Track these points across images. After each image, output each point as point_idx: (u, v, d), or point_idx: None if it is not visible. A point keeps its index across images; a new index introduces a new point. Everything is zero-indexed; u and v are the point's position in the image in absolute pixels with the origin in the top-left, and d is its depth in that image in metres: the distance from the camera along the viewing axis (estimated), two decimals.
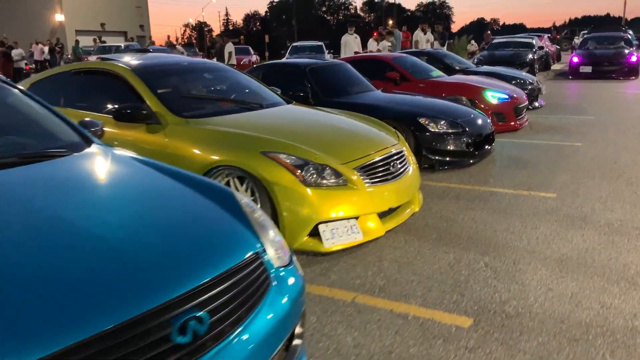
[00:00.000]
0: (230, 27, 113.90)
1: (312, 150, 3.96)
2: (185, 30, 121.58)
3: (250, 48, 27.42)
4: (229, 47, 18.26)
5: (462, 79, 9.53)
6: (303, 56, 22.49)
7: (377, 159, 4.21)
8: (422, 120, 6.37)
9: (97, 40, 29.95)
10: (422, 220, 4.72)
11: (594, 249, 4.01)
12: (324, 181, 3.85)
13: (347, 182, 3.92)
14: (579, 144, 7.75)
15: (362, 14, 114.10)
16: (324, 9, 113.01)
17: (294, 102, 5.59)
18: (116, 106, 4.48)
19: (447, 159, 6.42)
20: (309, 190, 3.77)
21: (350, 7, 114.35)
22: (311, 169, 3.84)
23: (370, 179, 4.07)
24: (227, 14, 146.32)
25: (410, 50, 14.21)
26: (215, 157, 3.99)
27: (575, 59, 18.54)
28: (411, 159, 4.77)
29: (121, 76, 4.73)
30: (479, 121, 6.90)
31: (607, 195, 5.31)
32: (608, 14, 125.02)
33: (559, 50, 25.87)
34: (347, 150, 4.18)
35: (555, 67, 22.88)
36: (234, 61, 18.29)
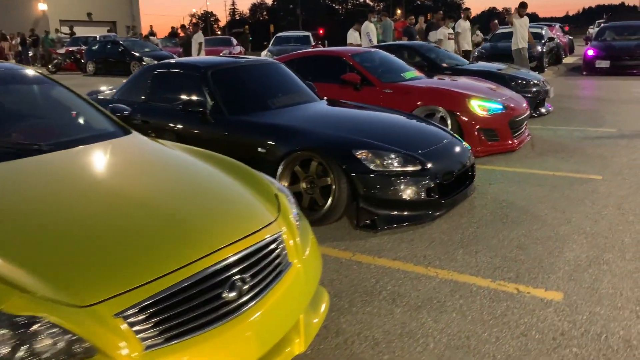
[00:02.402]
0: (237, 17, 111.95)
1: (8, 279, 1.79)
2: (191, 20, 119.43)
3: (232, 38, 25.12)
4: (198, 38, 16.19)
5: (442, 82, 7.30)
6: (287, 48, 20.28)
7: (198, 276, 2.04)
8: (359, 154, 4.18)
9: (58, 31, 27.96)
10: None
11: None
12: (30, 356, 1.69)
13: (96, 351, 1.75)
14: (597, 177, 5.52)
15: (371, 3, 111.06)
16: None
17: (133, 132, 3.43)
18: None
19: (397, 212, 4.23)
20: None
21: None
22: None
23: (165, 331, 1.89)
24: (233, 3, 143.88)
25: (382, 43, 11.97)
26: None
27: (590, 52, 16.15)
28: (294, 243, 2.57)
29: None
30: (452, 152, 4.70)
31: None
32: (622, 3, 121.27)
33: (571, 42, 23.36)
34: (125, 264, 2.00)
35: (568, 60, 20.44)
36: (203, 54, 16.23)
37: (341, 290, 3.28)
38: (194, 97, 4.99)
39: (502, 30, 17.78)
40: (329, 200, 4.21)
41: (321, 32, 47.03)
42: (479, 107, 6.44)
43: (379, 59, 7.78)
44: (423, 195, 4.22)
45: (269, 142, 4.51)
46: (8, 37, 26.27)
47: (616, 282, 3.29)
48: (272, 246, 2.41)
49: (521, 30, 11.87)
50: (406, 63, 8.51)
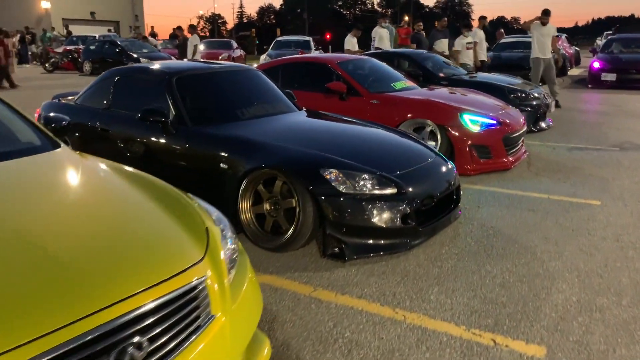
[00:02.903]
0: (245, 20, 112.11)
1: None
2: (199, 22, 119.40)
3: (232, 42, 24.73)
4: (194, 40, 15.94)
5: (433, 94, 6.86)
6: (287, 52, 19.92)
7: (71, 343, 1.59)
8: (327, 174, 3.75)
9: (54, 29, 27.71)
10: None
11: None
12: None
13: None
14: (595, 203, 5.08)
15: (379, 9, 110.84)
16: (339, 3, 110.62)
17: (63, 146, 3.01)
18: None
19: (368, 241, 3.80)
20: None
21: (367, 2, 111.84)
22: None
23: None
24: (241, 6, 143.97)
25: (378, 50, 11.53)
26: None
27: (596, 64, 15.68)
28: (221, 289, 2.13)
29: None
30: (434, 173, 4.28)
31: None
32: (632, 15, 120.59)
33: (578, 53, 22.84)
34: None
35: (573, 72, 19.96)
36: (199, 56, 15.97)
37: (292, 336, 2.85)
38: (156, 105, 4.56)
39: (506, 39, 17.34)
40: (293, 225, 3.79)
41: (328, 36, 46.73)
42: (471, 121, 6.00)
43: (369, 67, 7.37)
44: (399, 222, 3.78)
45: (232, 157, 4.10)
46: (10, 34, 26.01)
47: (609, 335, 2.84)
48: (190, 295, 1.98)
49: (541, 39, 11.24)
50: (401, 72, 8.12)
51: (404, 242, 3.86)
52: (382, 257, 3.81)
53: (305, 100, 6.78)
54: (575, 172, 6.21)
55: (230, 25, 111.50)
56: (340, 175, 3.76)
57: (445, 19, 14.26)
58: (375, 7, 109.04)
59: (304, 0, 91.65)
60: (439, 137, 6.02)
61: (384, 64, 7.68)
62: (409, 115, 6.22)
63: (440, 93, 6.97)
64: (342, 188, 3.71)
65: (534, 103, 8.59)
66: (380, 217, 3.74)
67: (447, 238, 4.21)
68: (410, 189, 3.88)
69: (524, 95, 8.51)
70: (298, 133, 4.55)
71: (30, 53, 26.65)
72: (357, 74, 6.90)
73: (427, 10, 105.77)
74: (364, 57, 8.00)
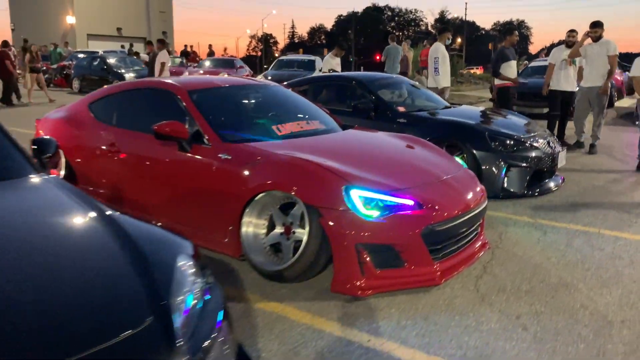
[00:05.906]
0: (296, 40, 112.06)
1: None
2: (250, 42, 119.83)
3: (236, 60, 22.57)
4: (162, 57, 13.75)
5: (325, 146, 4.16)
6: (286, 73, 17.45)
7: None
8: None
9: (57, 45, 26.41)
10: None
11: None
12: None
13: None
14: None
15: (432, 30, 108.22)
16: (392, 24, 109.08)
17: None
18: None
19: None
20: None
21: (421, 23, 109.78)
22: None
23: None
24: (292, 26, 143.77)
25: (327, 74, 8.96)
26: None
27: None
28: None
29: None
30: None
31: None
32: None
33: (631, 80, 19.15)
34: None
35: (622, 103, 16.56)
36: (167, 74, 13.80)
37: None
38: None
39: (536, 63, 14.41)
40: None
41: (378, 58, 44.72)
42: (364, 201, 3.36)
43: (254, 98, 4.83)
44: None
45: None
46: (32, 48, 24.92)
47: None
48: None
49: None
50: (325, 106, 5.58)
51: None
52: None
53: (138, 148, 4.36)
54: (562, 295, 3.45)
55: (281, 45, 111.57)
56: None
57: (516, 32, 10.15)
58: (430, 28, 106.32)
59: (356, 21, 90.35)
60: (306, 226, 3.41)
61: (289, 94, 5.12)
62: (267, 182, 3.63)
63: (339, 144, 4.31)
64: None
65: (532, 155, 5.80)
66: None
67: None
68: None
69: (512, 142, 5.75)
70: None
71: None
72: (217, 109, 4.36)
73: (483, 32, 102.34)
74: (258, 82, 5.46)
